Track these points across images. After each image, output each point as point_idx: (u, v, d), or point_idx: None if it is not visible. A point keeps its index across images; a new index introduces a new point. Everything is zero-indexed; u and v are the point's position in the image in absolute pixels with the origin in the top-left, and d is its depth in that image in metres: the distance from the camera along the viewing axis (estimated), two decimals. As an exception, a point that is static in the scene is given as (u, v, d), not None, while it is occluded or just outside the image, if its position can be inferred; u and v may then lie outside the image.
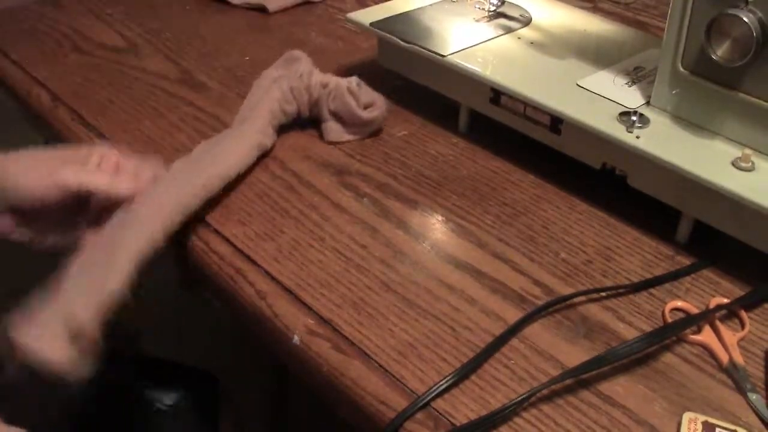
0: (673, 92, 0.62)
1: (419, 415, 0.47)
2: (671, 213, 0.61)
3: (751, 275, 0.58)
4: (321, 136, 0.72)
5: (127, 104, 0.77)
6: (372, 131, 0.72)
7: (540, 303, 0.55)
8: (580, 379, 0.49)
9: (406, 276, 0.57)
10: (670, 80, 0.62)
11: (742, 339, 0.53)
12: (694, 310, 0.55)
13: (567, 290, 0.56)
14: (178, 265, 0.63)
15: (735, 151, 0.58)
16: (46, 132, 0.79)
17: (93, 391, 0.77)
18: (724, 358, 0.51)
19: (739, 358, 0.51)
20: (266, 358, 0.95)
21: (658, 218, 0.62)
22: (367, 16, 0.77)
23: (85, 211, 0.60)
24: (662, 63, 0.62)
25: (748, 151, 0.57)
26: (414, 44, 0.73)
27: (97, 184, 0.59)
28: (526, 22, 0.78)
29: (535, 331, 0.53)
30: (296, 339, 0.52)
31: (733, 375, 0.50)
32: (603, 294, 0.56)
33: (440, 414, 0.47)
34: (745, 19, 0.54)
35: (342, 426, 0.52)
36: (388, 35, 0.74)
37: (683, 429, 0.46)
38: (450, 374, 0.49)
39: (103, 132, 0.73)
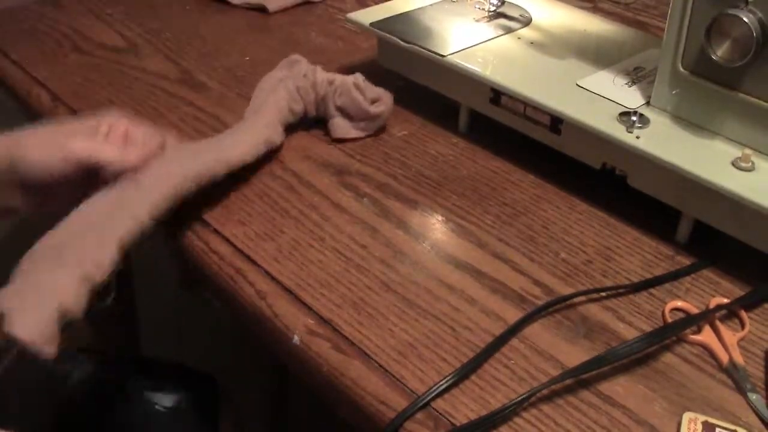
0: (673, 92, 0.62)
1: (419, 415, 0.47)
2: (671, 213, 0.61)
3: (751, 275, 0.58)
4: (322, 137, 0.72)
5: (127, 104, 0.77)
6: (379, 126, 0.72)
7: (540, 303, 0.55)
8: (580, 379, 0.49)
9: (406, 276, 0.57)
10: (670, 80, 0.62)
11: (742, 339, 0.53)
12: (694, 310, 0.55)
13: (567, 290, 0.56)
14: (178, 265, 0.63)
15: (735, 151, 0.58)
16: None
17: (92, 393, 0.77)
18: (724, 358, 0.51)
19: (739, 358, 0.51)
20: (266, 358, 0.96)
21: (658, 218, 0.62)
22: (367, 16, 0.77)
23: (96, 183, 0.59)
24: (662, 63, 0.62)
25: (748, 151, 0.57)
26: (414, 44, 0.73)
27: (106, 155, 0.58)
28: (526, 22, 0.78)
29: (535, 331, 0.53)
30: (296, 339, 0.52)
31: (733, 375, 0.50)
32: (603, 294, 0.56)
33: (440, 414, 0.47)
34: (745, 19, 0.54)
35: (342, 426, 0.52)
36: (388, 35, 0.74)
37: (683, 429, 0.46)
38: (450, 374, 0.49)
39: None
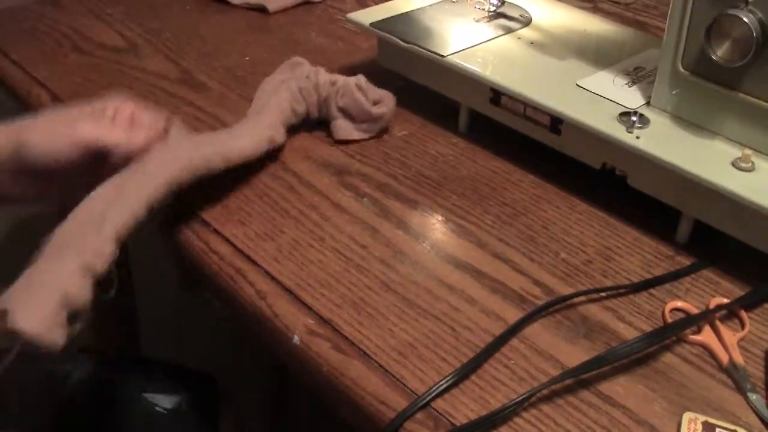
0: (673, 92, 0.62)
1: (419, 415, 0.47)
2: (671, 213, 0.61)
3: (751, 275, 0.58)
4: (323, 138, 0.72)
5: (127, 104, 0.77)
6: (381, 128, 0.72)
7: (540, 303, 0.55)
8: (580, 379, 0.49)
9: (406, 276, 0.57)
10: (670, 80, 0.62)
11: (742, 339, 0.53)
12: (694, 310, 0.55)
13: (567, 290, 0.56)
14: (178, 265, 0.63)
15: (735, 151, 0.58)
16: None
17: (92, 393, 0.77)
18: (724, 358, 0.51)
19: (739, 358, 0.51)
20: (266, 358, 0.96)
21: (658, 218, 0.62)
22: (367, 16, 0.77)
23: (103, 168, 0.59)
24: (662, 63, 0.62)
25: (748, 151, 0.57)
26: (414, 44, 0.73)
27: (113, 139, 0.58)
28: (526, 22, 0.78)
29: (535, 331, 0.53)
30: (296, 339, 0.52)
31: (733, 375, 0.50)
32: (603, 294, 0.56)
33: (440, 414, 0.47)
34: (745, 19, 0.54)
35: (342, 426, 0.52)
36: (388, 35, 0.74)
37: (683, 429, 0.46)
38: (450, 374, 0.49)
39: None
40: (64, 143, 0.57)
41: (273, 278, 0.56)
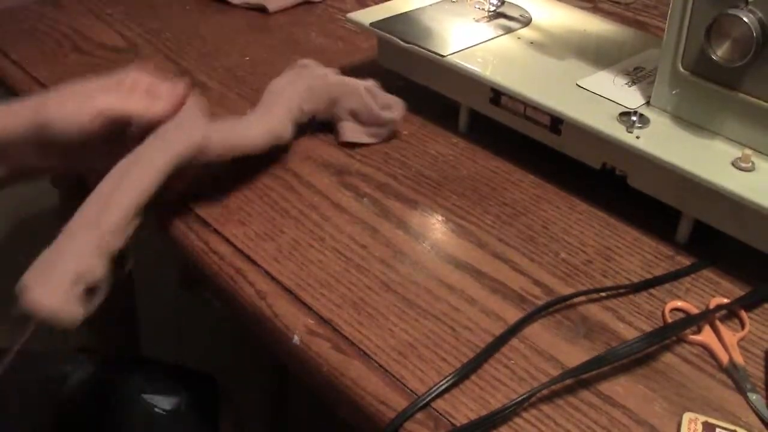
0: (673, 92, 0.62)
1: (419, 415, 0.47)
2: (671, 213, 0.61)
3: (751, 275, 0.58)
4: (324, 139, 0.72)
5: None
6: (389, 133, 0.72)
7: (540, 303, 0.55)
8: (580, 379, 0.49)
9: (406, 276, 0.57)
10: (670, 80, 0.62)
11: (742, 339, 0.53)
12: (694, 310, 0.55)
13: (567, 290, 0.56)
14: (178, 265, 0.63)
15: (735, 151, 0.58)
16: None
17: (92, 393, 0.77)
18: (724, 358, 0.51)
19: (739, 358, 0.51)
20: (266, 358, 0.96)
21: (658, 218, 0.62)
22: (367, 16, 0.77)
23: (125, 137, 0.59)
24: (662, 63, 0.62)
25: (748, 151, 0.57)
26: (414, 44, 0.73)
27: (133, 108, 0.58)
28: (526, 22, 0.78)
29: (535, 331, 0.53)
30: (296, 339, 0.52)
31: (733, 375, 0.50)
32: (603, 294, 0.56)
33: (440, 414, 0.47)
34: (745, 19, 0.54)
35: (342, 426, 0.52)
36: (388, 35, 0.74)
37: (683, 429, 0.46)
38: (450, 374, 0.49)
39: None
40: (84, 115, 0.57)
41: (273, 278, 0.56)
